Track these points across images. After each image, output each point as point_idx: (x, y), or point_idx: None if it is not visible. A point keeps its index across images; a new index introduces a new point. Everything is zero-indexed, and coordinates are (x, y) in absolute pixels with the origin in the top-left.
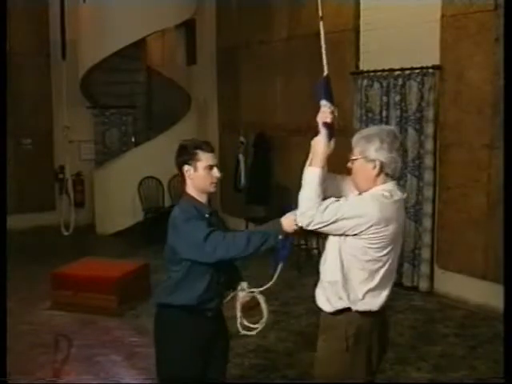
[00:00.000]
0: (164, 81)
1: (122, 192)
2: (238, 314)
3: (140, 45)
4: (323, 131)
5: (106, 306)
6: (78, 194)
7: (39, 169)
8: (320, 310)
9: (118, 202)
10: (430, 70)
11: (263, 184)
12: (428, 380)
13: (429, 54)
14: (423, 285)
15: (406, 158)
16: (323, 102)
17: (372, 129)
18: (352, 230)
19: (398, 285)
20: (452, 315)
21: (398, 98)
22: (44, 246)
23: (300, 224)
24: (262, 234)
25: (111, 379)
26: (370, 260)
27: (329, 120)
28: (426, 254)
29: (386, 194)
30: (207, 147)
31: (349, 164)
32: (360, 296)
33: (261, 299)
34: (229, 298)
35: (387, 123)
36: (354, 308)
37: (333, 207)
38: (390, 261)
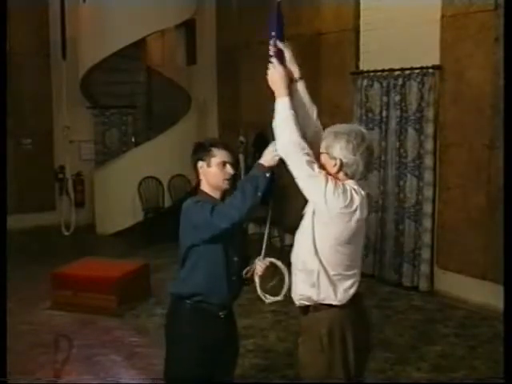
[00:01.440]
0: (164, 81)
1: (122, 192)
2: (258, 289)
3: (140, 45)
4: (273, 61)
5: (106, 306)
6: (78, 194)
7: (39, 169)
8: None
9: (118, 202)
10: (430, 70)
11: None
12: (428, 380)
13: (429, 54)
14: (423, 285)
15: (406, 158)
16: (271, 35)
17: (343, 126)
18: (317, 194)
19: (398, 285)
20: (452, 315)
21: (397, 98)
22: (44, 246)
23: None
24: (251, 180)
25: (111, 379)
26: (332, 248)
27: (272, 53)
28: (426, 254)
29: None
30: (222, 145)
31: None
32: (322, 284)
33: (278, 263)
34: (246, 271)
35: (387, 123)
36: (316, 298)
37: (314, 165)
38: (350, 253)
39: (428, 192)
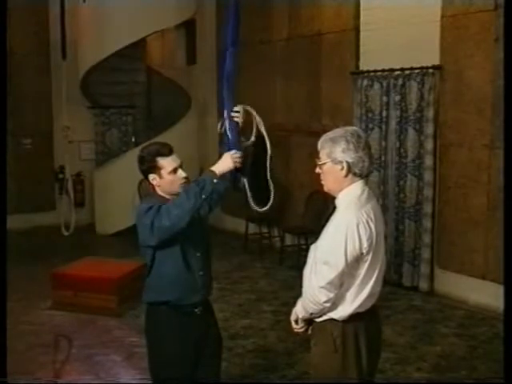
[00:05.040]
0: (164, 81)
1: (122, 192)
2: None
3: (140, 45)
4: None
5: (105, 306)
6: (78, 194)
7: (39, 169)
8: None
9: (118, 202)
10: (430, 70)
11: (263, 184)
12: (428, 380)
13: (429, 54)
14: (423, 285)
15: (406, 158)
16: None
17: (336, 131)
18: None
19: (397, 285)
20: (452, 315)
21: (398, 98)
22: (44, 246)
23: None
24: (197, 182)
25: (111, 379)
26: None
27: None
28: (426, 254)
29: (356, 195)
30: (166, 151)
31: (317, 169)
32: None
33: (248, 109)
34: (220, 125)
35: (387, 123)
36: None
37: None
38: (367, 263)
39: (428, 192)
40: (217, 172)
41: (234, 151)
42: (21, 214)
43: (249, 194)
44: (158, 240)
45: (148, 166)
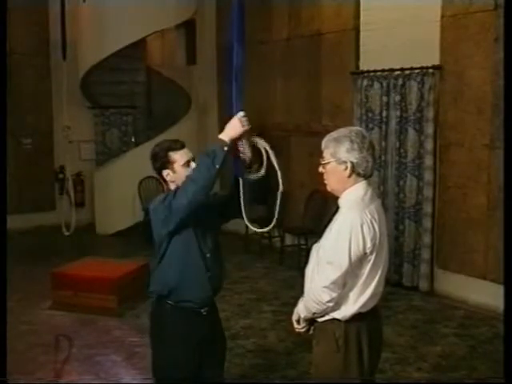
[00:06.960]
0: (164, 81)
1: (122, 192)
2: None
3: (140, 45)
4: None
5: (106, 306)
6: (78, 194)
7: (39, 169)
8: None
9: (118, 202)
10: (430, 70)
11: (263, 183)
12: (428, 380)
13: (429, 54)
14: (423, 285)
15: (406, 158)
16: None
17: (340, 130)
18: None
19: (397, 285)
20: (452, 315)
21: (398, 98)
22: (44, 246)
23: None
24: (208, 153)
25: (111, 379)
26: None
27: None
28: (426, 254)
29: (360, 195)
30: (177, 145)
31: (320, 169)
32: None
33: (257, 139)
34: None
35: (387, 123)
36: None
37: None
38: (370, 263)
39: (428, 192)
40: (226, 139)
41: (242, 113)
42: (21, 214)
43: (246, 221)
44: (175, 222)
45: (161, 161)
